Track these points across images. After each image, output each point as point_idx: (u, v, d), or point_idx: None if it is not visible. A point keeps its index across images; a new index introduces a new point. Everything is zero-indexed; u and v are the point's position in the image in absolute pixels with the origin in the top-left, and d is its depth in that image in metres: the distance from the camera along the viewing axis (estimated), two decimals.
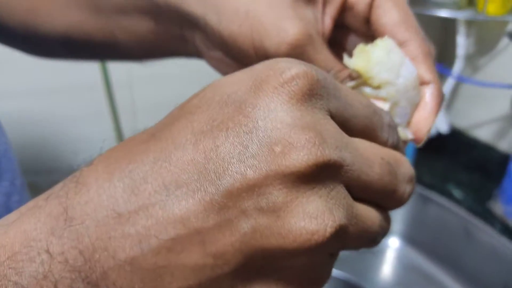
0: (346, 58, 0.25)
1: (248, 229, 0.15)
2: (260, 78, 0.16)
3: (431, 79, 0.25)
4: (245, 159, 0.15)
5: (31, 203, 0.17)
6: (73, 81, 0.83)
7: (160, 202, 0.15)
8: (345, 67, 0.25)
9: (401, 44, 0.25)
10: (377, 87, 0.24)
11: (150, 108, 0.91)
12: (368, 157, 0.18)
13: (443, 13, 0.79)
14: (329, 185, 0.16)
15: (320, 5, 0.26)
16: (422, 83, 0.25)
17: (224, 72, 0.29)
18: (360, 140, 0.19)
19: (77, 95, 0.86)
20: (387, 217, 0.20)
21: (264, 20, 0.24)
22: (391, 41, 0.25)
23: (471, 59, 0.93)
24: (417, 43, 0.25)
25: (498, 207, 0.80)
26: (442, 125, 0.97)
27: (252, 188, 0.15)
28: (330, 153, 0.16)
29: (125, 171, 0.16)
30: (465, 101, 0.98)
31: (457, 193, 0.90)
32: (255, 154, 0.15)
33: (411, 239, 1.01)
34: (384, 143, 0.20)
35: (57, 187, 0.17)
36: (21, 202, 0.33)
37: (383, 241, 1.01)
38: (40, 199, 0.17)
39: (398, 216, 1.02)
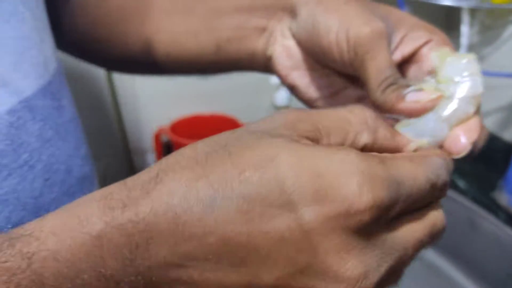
0: (433, 54, 0.30)
1: None
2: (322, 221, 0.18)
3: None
4: None
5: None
6: None
7: None
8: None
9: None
10: (442, 82, 0.28)
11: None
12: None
13: (447, 1, 0.78)
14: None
15: (398, 38, 0.31)
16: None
17: (283, 63, 0.34)
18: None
19: None
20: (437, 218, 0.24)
21: (353, 14, 0.29)
22: (473, 56, 0.30)
23: (475, 49, 0.93)
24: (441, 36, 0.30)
25: (503, 197, 0.80)
26: None
27: None
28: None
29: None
30: None
31: (461, 183, 0.90)
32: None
33: None
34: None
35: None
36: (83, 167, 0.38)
37: None
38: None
39: None
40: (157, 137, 0.92)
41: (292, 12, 0.33)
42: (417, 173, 0.21)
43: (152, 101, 0.92)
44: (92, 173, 0.40)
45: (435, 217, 0.23)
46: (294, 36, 0.34)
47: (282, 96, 0.92)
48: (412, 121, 0.27)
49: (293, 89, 0.35)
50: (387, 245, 0.20)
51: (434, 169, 0.22)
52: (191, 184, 0.18)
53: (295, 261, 0.18)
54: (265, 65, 0.37)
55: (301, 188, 0.18)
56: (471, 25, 0.89)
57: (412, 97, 0.27)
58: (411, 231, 0.21)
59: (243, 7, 0.36)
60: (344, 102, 0.33)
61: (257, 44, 0.36)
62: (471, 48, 0.92)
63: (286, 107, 0.93)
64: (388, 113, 0.28)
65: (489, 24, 0.89)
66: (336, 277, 0.18)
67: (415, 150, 0.25)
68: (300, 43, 0.34)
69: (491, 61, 0.91)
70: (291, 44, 0.34)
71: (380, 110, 0.28)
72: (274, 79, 0.91)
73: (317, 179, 0.18)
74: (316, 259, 0.18)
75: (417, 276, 0.94)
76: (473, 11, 0.88)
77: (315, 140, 0.21)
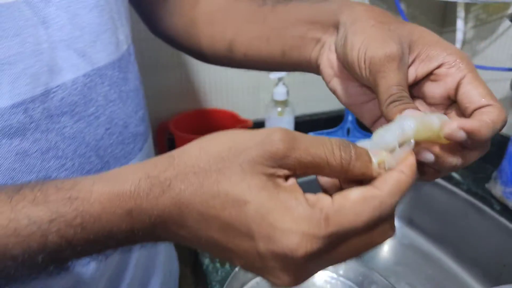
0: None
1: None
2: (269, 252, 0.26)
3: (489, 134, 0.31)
4: None
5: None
6: None
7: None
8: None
9: (487, 105, 0.31)
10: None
11: None
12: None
13: None
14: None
15: (414, 56, 0.35)
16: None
17: (326, 71, 0.41)
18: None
19: None
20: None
21: (374, 37, 0.34)
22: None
23: (470, 43, 0.94)
24: (498, 107, 0.31)
25: (497, 188, 0.82)
26: None
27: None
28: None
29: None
30: None
31: (456, 175, 0.92)
32: None
33: (410, 220, 1.03)
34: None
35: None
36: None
37: None
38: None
39: None
40: (160, 132, 0.93)
41: (338, 29, 0.40)
42: (358, 220, 0.26)
43: (155, 97, 0.93)
44: (145, 132, 0.50)
45: (378, 234, 0.28)
46: (335, 50, 0.40)
47: (281, 91, 0.93)
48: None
49: (334, 93, 0.42)
50: (323, 262, 0.27)
51: (380, 208, 0.27)
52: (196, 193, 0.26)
53: (252, 262, 0.27)
54: (317, 70, 0.43)
55: (260, 230, 0.25)
56: (466, 20, 0.90)
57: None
58: (348, 249, 0.27)
59: (305, 20, 0.43)
60: (373, 109, 0.39)
61: (312, 53, 0.43)
62: (466, 43, 0.93)
63: (285, 101, 0.95)
64: None
65: (484, 19, 0.91)
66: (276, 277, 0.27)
67: (379, 165, 0.28)
68: (338, 57, 0.39)
69: (486, 56, 0.92)
70: (333, 56, 0.40)
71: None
72: (273, 75, 0.93)
73: (272, 228, 0.25)
74: (264, 265, 0.26)
75: (412, 265, 0.96)
76: (468, 6, 0.89)
77: (292, 170, 0.27)
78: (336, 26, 0.40)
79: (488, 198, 0.84)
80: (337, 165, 0.27)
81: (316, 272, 0.28)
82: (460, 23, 0.88)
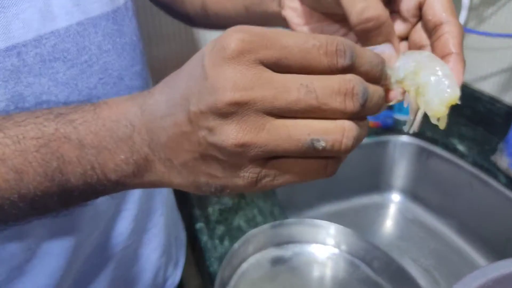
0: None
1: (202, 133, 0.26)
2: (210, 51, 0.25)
3: (457, 51, 0.31)
4: (202, 103, 0.25)
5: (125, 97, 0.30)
6: None
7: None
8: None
9: (445, 23, 0.31)
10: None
11: None
12: (284, 85, 0.24)
13: None
14: (241, 114, 0.24)
15: None
16: (448, 54, 0.31)
17: (294, 21, 0.40)
18: (283, 74, 0.25)
19: None
20: (336, 127, 0.25)
21: None
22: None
23: (477, 9, 0.91)
24: (456, 23, 0.31)
25: (503, 160, 0.80)
26: None
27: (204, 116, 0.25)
28: (236, 95, 0.24)
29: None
30: (469, 53, 0.96)
31: (461, 147, 0.90)
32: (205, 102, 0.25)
33: (413, 193, 1.02)
34: (327, 70, 0.25)
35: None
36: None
37: (385, 196, 1.03)
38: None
39: (400, 171, 1.02)
40: None
41: None
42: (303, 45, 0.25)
43: (159, 68, 0.90)
44: (142, 88, 0.51)
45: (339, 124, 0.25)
46: None
47: None
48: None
49: None
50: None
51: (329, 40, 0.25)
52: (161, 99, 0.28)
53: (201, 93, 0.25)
54: (285, 24, 0.42)
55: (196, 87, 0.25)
56: None
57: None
58: (291, 77, 0.25)
59: None
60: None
61: (274, 7, 0.43)
62: (472, 9, 0.90)
63: None
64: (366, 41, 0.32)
65: None
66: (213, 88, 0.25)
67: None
68: (302, 2, 0.39)
69: (492, 22, 0.89)
70: (296, 3, 0.40)
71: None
72: None
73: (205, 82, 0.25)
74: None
75: (415, 239, 0.95)
76: None
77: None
78: None
79: (494, 171, 0.82)
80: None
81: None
82: None
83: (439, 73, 0.29)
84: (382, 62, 0.28)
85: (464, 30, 0.89)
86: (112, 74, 0.45)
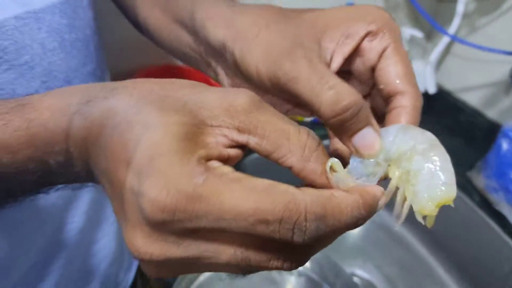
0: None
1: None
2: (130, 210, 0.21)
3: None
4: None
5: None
6: None
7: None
8: None
9: (400, 93, 0.28)
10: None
11: None
12: (215, 252, 0.21)
13: None
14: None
15: (334, 44, 0.30)
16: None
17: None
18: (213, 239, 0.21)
19: None
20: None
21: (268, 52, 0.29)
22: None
23: (470, 18, 0.86)
24: (412, 96, 0.28)
25: (480, 179, 0.78)
26: (429, 84, 0.92)
27: None
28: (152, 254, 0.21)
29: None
30: (456, 61, 0.92)
31: None
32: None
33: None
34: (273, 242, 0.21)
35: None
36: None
37: None
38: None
39: None
40: None
41: (218, 55, 0.34)
42: (241, 205, 0.20)
43: (113, 48, 0.83)
44: None
45: (263, 252, 0.22)
46: (234, 76, 0.34)
47: None
48: (346, 169, 0.26)
49: None
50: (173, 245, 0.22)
51: (286, 209, 0.20)
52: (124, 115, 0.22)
53: (117, 197, 0.23)
54: None
55: (139, 162, 0.21)
56: None
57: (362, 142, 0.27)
58: (207, 246, 0.22)
59: (190, 29, 0.36)
60: (304, 111, 0.34)
61: (210, 73, 0.37)
62: (466, 17, 0.85)
63: None
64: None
65: None
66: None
67: (331, 167, 0.24)
68: (242, 82, 0.33)
69: (486, 34, 0.85)
70: (237, 82, 0.34)
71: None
72: None
73: (151, 166, 0.20)
74: (123, 207, 0.22)
75: (380, 244, 0.93)
76: None
77: (245, 131, 0.23)
78: (210, 45, 0.34)
79: (468, 188, 0.80)
80: (299, 148, 0.23)
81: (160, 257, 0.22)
82: None
83: (437, 163, 0.25)
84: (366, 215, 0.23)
85: (455, 40, 0.86)
86: (57, 76, 0.39)
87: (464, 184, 0.81)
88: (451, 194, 0.24)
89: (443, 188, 0.24)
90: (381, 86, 0.29)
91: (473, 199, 0.79)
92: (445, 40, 0.87)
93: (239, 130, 0.23)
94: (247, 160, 0.86)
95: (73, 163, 0.25)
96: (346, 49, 0.30)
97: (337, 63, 0.30)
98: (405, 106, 0.28)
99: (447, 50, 0.94)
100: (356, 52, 0.30)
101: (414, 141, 0.26)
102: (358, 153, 0.26)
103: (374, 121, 0.26)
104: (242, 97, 0.23)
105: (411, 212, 0.25)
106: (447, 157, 0.25)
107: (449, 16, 0.85)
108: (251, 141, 0.23)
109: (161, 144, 0.20)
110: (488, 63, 0.85)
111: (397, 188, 0.26)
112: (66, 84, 0.39)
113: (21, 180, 0.25)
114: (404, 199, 0.26)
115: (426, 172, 0.25)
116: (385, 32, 0.29)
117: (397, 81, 0.28)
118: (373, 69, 0.30)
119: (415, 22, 0.98)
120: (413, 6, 0.85)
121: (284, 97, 0.32)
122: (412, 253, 0.91)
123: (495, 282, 0.77)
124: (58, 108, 0.24)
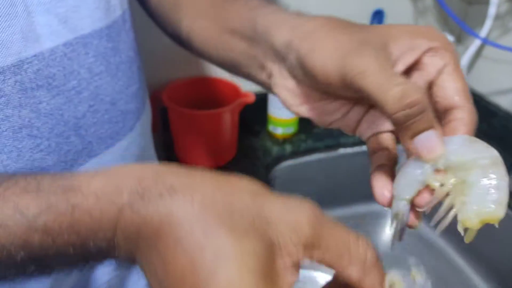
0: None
1: None
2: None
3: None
4: None
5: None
6: None
7: None
8: None
9: (457, 107, 0.29)
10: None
11: None
12: None
13: None
14: None
15: (399, 52, 0.30)
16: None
17: (290, 102, 0.35)
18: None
19: None
20: None
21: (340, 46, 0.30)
22: None
23: (503, 19, 0.84)
24: (469, 110, 0.29)
25: None
26: None
27: None
28: None
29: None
30: (488, 64, 0.90)
31: None
32: None
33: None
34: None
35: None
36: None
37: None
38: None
39: None
40: (151, 102, 0.85)
41: (279, 57, 0.35)
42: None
43: (146, 62, 0.84)
44: (138, 110, 0.45)
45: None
46: (293, 77, 0.34)
47: None
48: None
49: (308, 117, 0.36)
50: None
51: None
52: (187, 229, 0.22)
53: None
54: (278, 97, 0.37)
55: None
56: None
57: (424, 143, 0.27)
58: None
59: (246, 36, 0.37)
60: (356, 118, 0.35)
61: (263, 78, 0.37)
62: (497, 17, 0.84)
63: None
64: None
65: None
66: None
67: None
68: (300, 82, 0.34)
69: None
70: (292, 84, 0.35)
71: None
72: None
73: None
74: None
75: (415, 253, 0.91)
76: None
77: (310, 247, 0.24)
78: (276, 54, 0.35)
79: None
80: (359, 260, 0.24)
81: None
82: None
83: (494, 181, 0.25)
84: None
85: (486, 42, 0.84)
86: (104, 99, 0.40)
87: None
88: (498, 214, 0.25)
89: (493, 206, 0.25)
90: (437, 99, 0.30)
91: (511, 207, 0.77)
92: (476, 43, 0.85)
93: (305, 247, 0.24)
94: (278, 167, 0.87)
95: (114, 250, 0.25)
96: (409, 59, 0.31)
97: (399, 70, 0.31)
98: (463, 119, 0.29)
99: (478, 53, 0.92)
100: (415, 65, 0.31)
101: (477, 154, 0.26)
102: (418, 155, 0.27)
103: (438, 126, 0.27)
104: (306, 211, 0.24)
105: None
106: (505, 178, 0.25)
107: (479, 19, 0.84)
108: (315, 254, 0.24)
109: (239, 286, 0.21)
110: None
111: (446, 195, 0.27)
112: (112, 107, 0.41)
113: (58, 261, 0.26)
114: (451, 207, 0.27)
115: (480, 186, 0.25)
116: (445, 51, 0.30)
117: (456, 97, 0.29)
118: (429, 83, 0.31)
119: (445, 26, 0.96)
120: (443, 9, 0.84)
121: (345, 95, 0.32)
122: (447, 262, 0.89)
123: None
124: (106, 195, 0.24)
